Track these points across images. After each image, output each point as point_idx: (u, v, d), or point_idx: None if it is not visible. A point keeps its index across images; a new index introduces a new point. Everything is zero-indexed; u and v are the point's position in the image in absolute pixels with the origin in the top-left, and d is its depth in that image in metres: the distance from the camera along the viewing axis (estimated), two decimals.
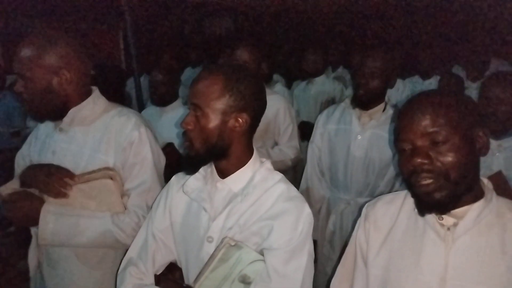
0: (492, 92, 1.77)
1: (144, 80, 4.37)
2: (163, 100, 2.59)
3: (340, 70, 4.39)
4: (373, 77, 1.98)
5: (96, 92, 1.52)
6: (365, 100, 2.04)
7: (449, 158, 0.94)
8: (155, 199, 1.34)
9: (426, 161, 0.95)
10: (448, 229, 1.00)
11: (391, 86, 2.08)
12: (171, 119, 2.49)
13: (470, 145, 0.96)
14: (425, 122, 0.95)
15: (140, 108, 3.55)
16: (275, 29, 7.10)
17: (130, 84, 4.48)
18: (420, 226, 1.04)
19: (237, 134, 1.13)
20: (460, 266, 0.97)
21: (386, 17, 5.91)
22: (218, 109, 1.09)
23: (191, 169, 1.20)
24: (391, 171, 2.06)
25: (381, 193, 2.07)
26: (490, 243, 0.97)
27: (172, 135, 2.39)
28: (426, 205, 0.99)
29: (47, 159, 1.47)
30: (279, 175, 1.19)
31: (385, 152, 2.03)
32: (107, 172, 1.41)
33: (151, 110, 2.70)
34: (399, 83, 3.31)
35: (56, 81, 1.39)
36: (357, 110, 2.10)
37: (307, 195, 2.23)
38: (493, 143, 1.80)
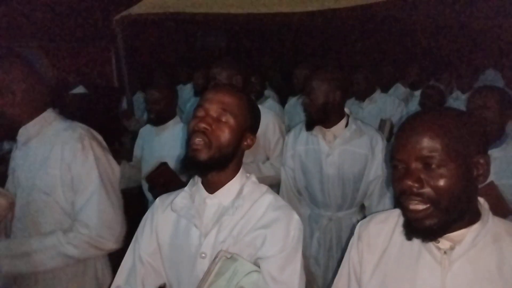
0: (478, 104, 1.82)
1: (137, 98, 4.41)
2: (160, 118, 2.51)
3: None
4: (313, 97, 1.99)
5: (48, 110, 1.56)
6: (311, 121, 2.06)
7: (441, 183, 0.90)
8: (140, 224, 1.33)
9: (416, 185, 0.92)
10: (445, 252, 0.97)
11: (339, 103, 2.03)
12: (167, 138, 2.45)
13: (467, 173, 0.92)
14: (421, 145, 0.92)
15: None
16: (268, 45, 7.20)
17: (125, 102, 4.51)
18: (415, 248, 1.01)
19: (242, 151, 1.20)
20: None
21: (374, 33, 6.03)
22: (241, 125, 1.15)
23: (194, 174, 1.20)
24: (365, 182, 2.09)
25: (360, 203, 2.16)
26: (486, 266, 0.94)
27: (167, 153, 2.37)
28: (413, 230, 0.96)
29: (10, 177, 1.54)
30: (265, 187, 1.23)
31: (357, 165, 2.06)
32: None
33: (148, 128, 2.66)
34: (394, 98, 3.35)
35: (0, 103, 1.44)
36: (321, 130, 2.10)
37: None
38: None
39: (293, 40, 6.90)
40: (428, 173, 0.92)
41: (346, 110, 2.11)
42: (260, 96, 3.58)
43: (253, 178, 1.23)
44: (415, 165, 0.93)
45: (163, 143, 2.44)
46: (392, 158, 0.99)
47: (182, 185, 2.38)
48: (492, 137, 1.83)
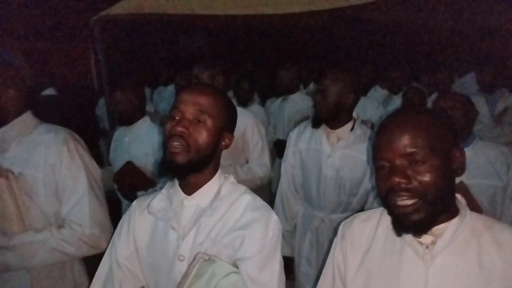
0: (444, 102, 1.87)
1: None
2: (126, 118, 2.47)
3: (312, 86, 4.48)
4: (326, 95, 1.98)
5: (27, 113, 1.55)
6: (320, 118, 2.06)
7: (427, 178, 0.94)
8: (118, 226, 1.31)
9: (404, 181, 0.94)
10: (427, 247, 1.00)
11: (350, 105, 2.03)
12: (136, 137, 2.44)
13: (448, 166, 0.96)
14: (404, 142, 0.95)
15: (112, 128, 3.53)
16: (251, 47, 7.20)
17: (101, 104, 4.44)
18: (398, 244, 1.04)
19: (220, 151, 1.19)
20: (440, 284, 0.98)
21: (357, 35, 6.10)
22: (219, 125, 1.14)
23: (173, 177, 1.17)
24: (363, 189, 2.08)
25: (354, 209, 2.12)
26: (467, 259, 0.97)
27: (135, 152, 2.37)
28: (403, 225, 0.98)
29: None
30: (243, 187, 1.23)
31: (356, 171, 2.05)
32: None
33: (120, 130, 2.64)
34: (373, 100, 3.38)
35: None
36: (326, 130, 2.10)
37: (283, 211, 2.24)
38: None
39: (276, 41, 6.92)
40: (414, 169, 0.95)
41: (354, 114, 2.10)
42: (249, 100, 3.58)
43: (232, 178, 1.23)
44: (400, 162, 0.96)
45: (132, 143, 2.43)
46: (375, 158, 1.01)
47: (150, 183, 2.36)
48: (463, 137, 1.88)
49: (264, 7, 3.71)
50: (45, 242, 1.44)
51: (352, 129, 2.06)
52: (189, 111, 1.10)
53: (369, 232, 1.11)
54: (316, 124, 2.10)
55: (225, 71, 2.27)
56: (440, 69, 3.99)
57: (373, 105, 3.15)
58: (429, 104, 3.20)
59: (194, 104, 1.11)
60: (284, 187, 2.27)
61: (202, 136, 1.10)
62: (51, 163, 1.47)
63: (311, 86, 4.47)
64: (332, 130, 2.08)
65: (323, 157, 2.08)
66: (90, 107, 4.70)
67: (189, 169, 1.11)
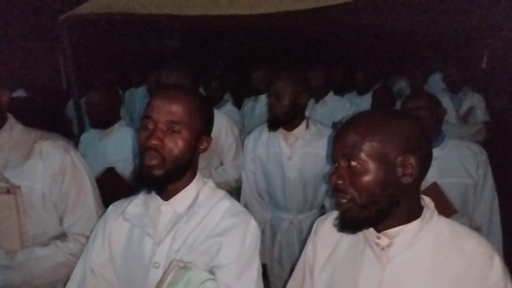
0: (413, 105, 1.91)
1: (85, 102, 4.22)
2: (103, 122, 2.37)
3: None
4: (281, 98, 1.99)
5: (11, 118, 1.47)
6: (276, 121, 2.06)
7: (359, 181, 0.95)
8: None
9: (340, 181, 0.97)
10: (383, 248, 1.00)
11: (304, 105, 2.08)
12: (113, 142, 2.35)
13: (389, 172, 0.94)
14: (346, 143, 0.97)
15: (81, 131, 3.43)
16: (223, 48, 7.16)
17: (70, 106, 4.32)
18: (361, 244, 1.05)
19: (198, 155, 1.16)
20: (393, 287, 0.98)
21: (327, 36, 6.17)
22: (195, 131, 1.10)
23: (151, 189, 1.13)
24: (326, 183, 2.12)
25: (320, 204, 2.19)
26: (424, 264, 0.97)
27: (114, 158, 2.28)
28: (341, 222, 1.01)
29: None
30: (222, 192, 1.21)
31: (318, 167, 2.09)
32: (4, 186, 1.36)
33: (90, 133, 2.52)
34: (345, 101, 3.43)
35: None
36: (283, 132, 2.10)
37: None
38: None
39: (250, 42, 6.92)
40: (350, 171, 0.96)
41: (306, 113, 2.13)
42: (219, 100, 3.56)
43: (210, 183, 1.21)
44: (343, 162, 0.98)
45: (109, 148, 2.34)
46: (331, 156, 1.05)
47: (131, 190, 2.30)
48: (433, 136, 1.91)
49: (235, 8, 3.69)
50: (53, 257, 1.38)
51: (307, 128, 2.09)
52: (162, 121, 1.07)
53: None
54: (272, 127, 2.09)
55: (192, 74, 2.23)
56: (413, 69, 4.07)
57: (345, 106, 3.19)
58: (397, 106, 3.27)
59: (167, 113, 1.07)
60: (247, 194, 2.26)
61: (178, 147, 1.07)
62: (52, 174, 1.39)
63: None
64: (289, 132, 2.10)
65: (284, 159, 2.09)
66: (60, 109, 4.57)
67: (167, 180, 1.09)
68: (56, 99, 4.98)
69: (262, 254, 2.23)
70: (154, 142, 1.05)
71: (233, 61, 6.16)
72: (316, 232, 1.18)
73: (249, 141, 2.23)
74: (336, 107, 3.21)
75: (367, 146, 0.95)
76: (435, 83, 4.49)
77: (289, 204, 2.13)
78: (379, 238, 1.01)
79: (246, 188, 2.26)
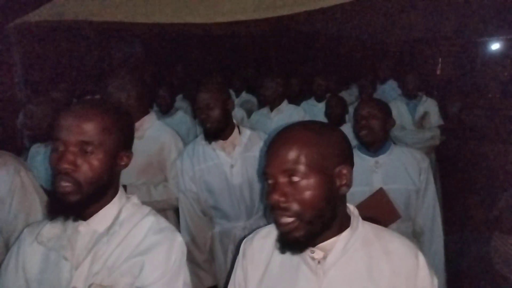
0: (365, 112, 1.93)
1: None
2: (40, 135, 2.23)
3: (244, 95, 4.50)
4: (213, 108, 1.98)
5: None
6: (212, 133, 2.03)
7: (305, 196, 0.92)
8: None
9: (282, 199, 0.93)
10: (319, 262, 0.99)
11: (231, 110, 2.08)
12: (42, 159, 2.22)
13: (329, 184, 0.94)
14: (286, 158, 0.93)
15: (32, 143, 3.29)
16: (185, 55, 7.11)
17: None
18: (294, 260, 1.02)
19: (119, 172, 1.10)
20: None
21: (284, 45, 6.25)
22: (111, 149, 1.04)
23: (68, 216, 1.05)
24: None
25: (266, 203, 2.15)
26: (358, 271, 0.97)
27: (41, 175, 2.17)
28: (285, 243, 0.97)
29: None
30: (147, 209, 1.15)
31: (260, 169, 2.07)
32: None
33: (35, 145, 2.41)
34: (300, 108, 3.44)
35: None
36: (218, 142, 2.08)
37: (193, 243, 2.13)
38: (371, 160, 1.95)
39: (211, 49, 6.90)
40: (293, 187, 0.93)
41: (234, 121, 2.14)
42: (169, 108, 3.50)
43: (134, 199, 1.15)
44: (282, 179, 0.95)
45: (40, 164, 2.23)
46: (263, 172, 1.00)
47: None
48: (378, 144, 1.95)
49: (195, 16, 3.67)
50: None
51: (240, 133, 2.10)
52: (73, 142, 1.00)
53: (268, 248, 1.09)
54: (211, 138, 2.06)
55: (138, 83, 2.17)
56: (362, 77, 4.17)
57: (299, 114, 3.21)
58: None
59: (78, 133, 1.00)
60: (188, 217, 2.15)
61: (93, 168, 1.01)
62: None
63: (243, 95, 4.48)
64: (225, 141, 2.08)
65: (227, 168, 2.07)
66: (12, 121, 4.39)
67: (85, 205, 1.03)
68: (8, 110, 4.79)
69: (213, 275, 2.19)
70: (64, 166, 0.98)
71: (192, 69, 6.11)
72: (245, 253, 1.14)
73: (184, 160, 2.12)
74: (291, 115, 3.21)
75: (307, 159, 0.92)
76: (392, 90, 4.60)
77: (238, 212, 2.11)
78: (313, 252, 0.99)
79: (187, 210, 2.14)
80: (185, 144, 2.28)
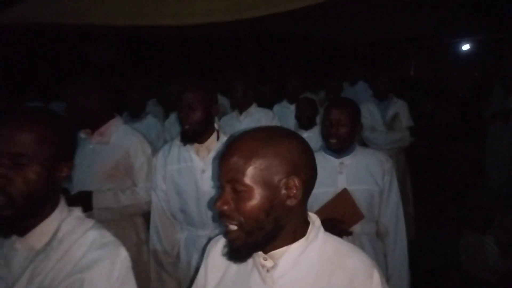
0: (333, 114, 1.92)
1: None
2: None
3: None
4: (195, 109, 1.95)
5: None
6: (190, 134, 2.00)
7: (245, 208, 0.91)
8: None
9: (225, 207, 0.92)
10: (268, 270, 0.97)
11: (214, 116, 2.05)
12: None
13: (273, 195, 0.92)
14: (230, 168, 0.92)
15: None
16: (160, 58, 7.05)
17: None
18: (249, 266, 1.01)
19: (59, 183, 1.05)
20: None
21: (253, 49, 6.26)
22: (48, 160, 0.99)
23: (2, 232, 1.00)
24: None
25: None
26: (309, 284, 0.95)
27: None
28: (230, 251, 0.97)
29: None
30: (90, 222, 1.09)
31: None
32: None
33: None
34: (269, 111, 3.44)
35: None
36: (194, 145, 2.04)
37: (160, 243, 2.11)
38: (336, 161, 1.96)
39: (185, 53, 6.85)
40: (236, 196, 0.92)
41: (215, 125, 2.08)
42: (140, 112, 3.45)
43: (77, 212, 1.10)
44: (227, 187, 0.93)
45: None
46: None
47: None
48: (347, 147, 1.96)
49: (166, 19, 3.64)
50: None
51: (218, 139, 2.06)
52: (4, 154, 0.95)
53: None
54: (187, 140, 2.02)
55: (99, 89, 2.13)
56: (333, 79, 4.20)
57: (268, 116, 3.21)
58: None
59: (9, 145, 0.95)
60: (157, 217, 2.13)
61: (27, 182, 0.96)
62: None
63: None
64: (201, 144, 2.04)
65: (198, 173, 2.02)
66: None
67: (19, 220, 0.98)
68: None
69: (177, 279, 2.15)
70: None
71: (167, 72, 6.05)
72: (209, 254, 1.13)
73: (158, 159, 2.11)
74: (260, 118, 3.21)
75: (251, 170, 0.90)
76: (363, 91, 4.64)
77: (204, 219, 2.05)
78: (265, 259, 0.98)
79: (156, 209, 2.13)
80: (154, 149, 2.25)
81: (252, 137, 0.95)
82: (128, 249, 2.18)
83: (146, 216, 2.36)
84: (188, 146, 2.03)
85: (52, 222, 1.03)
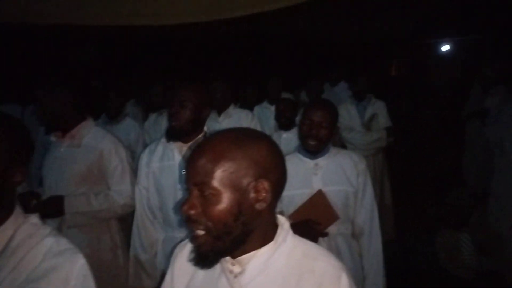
0: (315, 116, 1.92)
1: None
2: None
3: None
4: (186, 107, 1.94)
5: None
6: (176, 131, 1.99)
7: (212, 212, 0.88)
8: None
9: (192, 212, 0.90)
10: (236, 276, 0.95)
11: (205, 118, 2.05)
12: None
13: (242, 199, 0.89)
14: (197, 170, 0.89)
15: None
16: (145, 58, 6.98)
17: None
18: (217, 271, 0.99)
19: (12, 189, 1.01)
20: None
21: (234, 49, 6.24)
22: (1, 164, 0.96)
23: None
24: None
25: None
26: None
27: None
28: (196, 256, 0.94)
29: None
30: (47, 229, 1.05)
31: None
32: None
33: None
34: (248, 112, 3.43)
35: None
36: (178, 144, 2.04)
37: (140, 240, 2.11)
38: (311, 163, 1.97)
39: (166, 54, 6.80)
40: (204, 200, 0.90)
41: (205, 127, 2.08)
42: (118, 113, 3.41)
43: (34, 219, 1.06)
44: (195, 191, 0.91)
45: None
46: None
47: None
48: (323, 147, 1.96)
49: (150, 18, 3.60)
50: None
51: None
52: None
53: None
54: (172, 137, 2.01)
55: (70, 93, 2.10)
56: (313, 79, 4.22)
57: (248, 117, 3.20)
58: None
59: None
60: (139, 213, 2.13)
61: None
62: None
63: None
64: (185, 144, 2.03)
65: (178, 172, 2.01)
66: None
67: None
68: None
69: (155, 279, 2.13)
70: None
71: (147, 73, 5.99)
72: (175, 259, 1.11)
73: (144, 155, 2.13)
74: (239, 118, 3.20)
75: (218, 174, 0.88)
76: (343, 91, 4.66)
77: (183, 221, 2.06)
78: (233, 265, 0.96)
79: (138, 206, 2.13)
80: (133, 151, 2.22)
81: (221, 139, 0.93)
82: (104, 254, 2.21)
83: (122, 220, 2.35)
84: (172, 145, 2.03)
85: (5, 230, 1.00)
